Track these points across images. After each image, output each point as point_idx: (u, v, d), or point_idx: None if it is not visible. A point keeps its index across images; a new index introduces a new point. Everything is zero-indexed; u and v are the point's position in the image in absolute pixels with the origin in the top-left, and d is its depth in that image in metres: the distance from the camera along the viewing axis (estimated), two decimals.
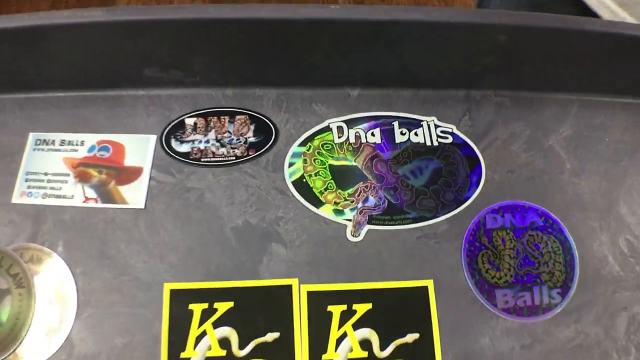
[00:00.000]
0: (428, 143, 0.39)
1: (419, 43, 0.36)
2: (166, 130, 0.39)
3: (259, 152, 0.38)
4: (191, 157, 0.38)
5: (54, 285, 0.34)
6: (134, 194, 0.37)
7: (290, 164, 0.37)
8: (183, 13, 0.34)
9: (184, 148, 0.38)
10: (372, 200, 0.37)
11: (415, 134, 0.39)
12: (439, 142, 0.39)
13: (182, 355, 0.34)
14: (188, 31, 0.35)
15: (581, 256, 0.38)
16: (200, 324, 0.34)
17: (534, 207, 0.38)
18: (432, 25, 0.35)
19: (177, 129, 0.39)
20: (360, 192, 0.37)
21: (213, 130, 0.39)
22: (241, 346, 0.34)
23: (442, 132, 0.39)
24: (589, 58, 0.39)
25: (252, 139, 0.38)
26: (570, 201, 0.39)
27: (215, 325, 0.34)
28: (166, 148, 0.38)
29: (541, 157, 0.40)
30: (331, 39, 0.37)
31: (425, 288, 0.36)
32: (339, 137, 0.38)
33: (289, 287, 0.35)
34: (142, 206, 0.37)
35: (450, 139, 0.39)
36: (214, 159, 0.38)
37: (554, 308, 0.36)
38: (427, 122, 0.39)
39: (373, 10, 0.34)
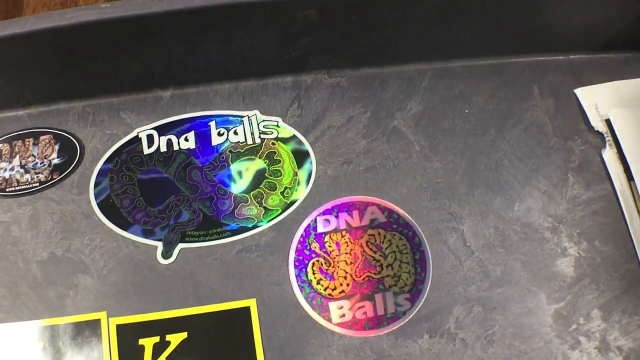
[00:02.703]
0: (249, 141, 0.33)
1: (218, 30, 0.30)
2: None
3: (63, 175, 0.33)
4: None
5: None
6: None
7: (97, 184, 0.32)
8: None
9: None
10: (185, 215, 0.31)
11: (235, 132, 0.33)
12: (261, 139, 0.32)
13: None
14: None
15: (435, 253, 0.32)
16: None
17: (375, 202, 0.32)
18: (224, 9, 0.28)
19: None
20: (172, 207, 0.31)
21: (18, 155, 0.34)
22: None
23: (265, 126, 0.33)
24: (432, 19, 0.31)
25: (56, 161, 0.33)
26: (420, 189, 0.33)
27: None
28: None
29: (384, 141, 0.33)
30: (124, 39, 0.31)
31: (247, 309, 0.30)
32: (149, 147, 0.32)
33: (97, 321, 0.30)
34: None
35: (274, 134, 0.33)
36: (18, 188, 0.33)
37: (402, 317, 0.30)
38: (249, 117, 0.33)
39: (154, 2, 0.28)
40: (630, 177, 0.35)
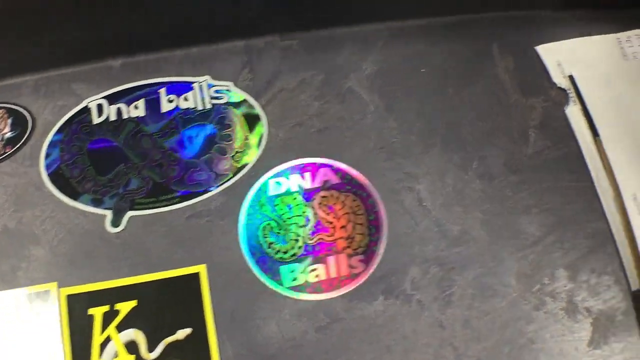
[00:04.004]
0: (200, 107, 0.32)
1: None
2: None
3: (15, 148, 0.32)
4: None
5: None
6: None
7: (47, 156, 0.31)
8: None
9: None
10: (134, 183, 0.30)
11: (185, 98, 0.32)
12: (212, 104, 0.31)
13: None
14: None
15: (390, 214, 0.30)
16: None
17: (327, 164, 0.30)
18: None
19: None
20: (121, 175, 0.30)
21: None
22: None
23: (216, 92, 0.32)
24: None
25: (8, 135, 0.33)
26: (374, 150, 0.31)
27: None
28: None
29: (337, 103, 0.32)
30: (74, 8, 0.29)
31: (196, 275, 0.29)
32: (99, 117, 0.31)
33: (47, 292, 0.29)
34: None
35: (225, 99, 0.31)
36: None
37: (355, 279, 0.29)
38: (200, 83, 0.32)
39: None
40: (595, 133, 0.33)
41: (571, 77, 0.35)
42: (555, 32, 0.36)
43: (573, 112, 0.34)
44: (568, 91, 0.35)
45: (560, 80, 0.35)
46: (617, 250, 0.31)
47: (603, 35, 0.36)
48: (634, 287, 0.31)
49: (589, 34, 0.36)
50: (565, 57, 0.36)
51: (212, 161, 0.32)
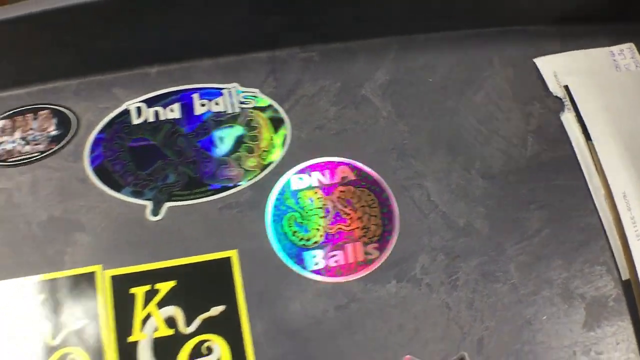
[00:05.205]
0: (229, 111, 0.42)
1: (195, 8, 0.40)
2: None
3: (60, 145, 0.43)
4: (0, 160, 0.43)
5: None
6: None
7: (91, 152, 0.42)
8: None
9: None
10: (171, 177, 0.41)
11: (216, 103, 0.42)
12: (241, 108, 0.42)
13: None
14: None
15: (401, 207, 0.41)
16: None
17: (344, 162, 0.41)
18: None
19: None
20: (159, 170, 0.41)
21: (19, 129, 0.44)
22: (53, 335, 0.39)
23: (244, 97, 0.43)
24: None
25: (54, 133, 0.43)
26: (387, 151, 0.42)
27: None
28: None
29: (353, 108, 0.43)
30: (114, 20, 0.41)
31: (229, 259, 0.39)
32: (138, 118, 0.42)
33: (92, 273, 0.40)
34: None
35: (252, 104, 0.42)
36: (19, 158, 0.43)
37: (371, 264, 0.39)
38: (229, 89, 0.43)
39: None
40: (587, 137, 0.44)
41: (566, 87, 0.46)
42: (551, 45, 0.47)
43: (568, 118, 0.45)
44: (563, 100, 0.46)
45: (556, 90, 0.46)
46: (608, 243, 0.41)
47: (597, 49, 0.48)
48: (624, 277, 0.41)
49: (584, 47, 0.48)
50: (561, 68, 0.47)
51: (241, 159, 0.43)
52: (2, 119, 0.45)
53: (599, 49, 0.47)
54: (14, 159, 0.43)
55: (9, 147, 0.44)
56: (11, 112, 0.45)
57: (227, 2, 0.40)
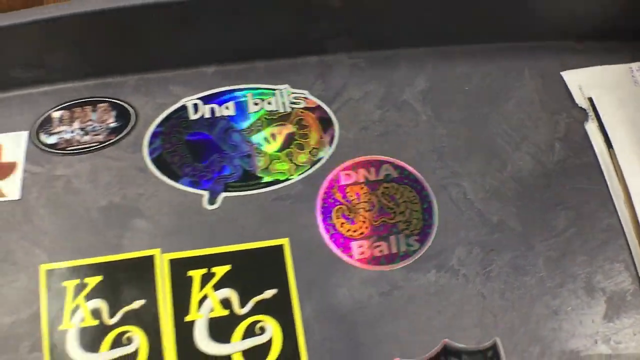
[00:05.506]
0: (281, 110, 0.48)
1: (253, 15, 0.45)
2: (35, 126, 0.48)
3: (120, 136, 0.47)
4: (58, 148, 0.48)
5: None
6: (10, 187, 0.47)
7: (150, 144, 0.47)
8: (24, 17, 0.43)
9: (52, 140, 0.48)
10: (227, 169, 0.46)
11: (269, 102, 0.48)
12: (292, 108, 0.48)
13: (60, 327, 0.43)
14: (38, 32, 0.45)
15: (440, 204, 0.46)
16: (74, 298, 0.44)
17: (388, 161, 0.47)
18: None
19: (45, 124, 0.48)
20: (216, 162, 0.46)
21: (77, 120, 0.49)
22: (111, 315, 0.43)
23: (295, 98, 0.48)
24: (437, 9, 0.47)
25: (113, 125, 0.48)
26: (427, 152, 0.48)
27: (88, 298, 0.44)
28: (36, 142, 0.48)
29: (395, 112, 0.48)
30: (172, 21, 0.46)
31: (281, 247, 0.45)
32: (195, 114, 0.47)
33: (151, 257, 0.44)
34: (18, 197, 0.46)
35: (303, 104, 0.48)
36: (78, 147, 0.48)
37: (413, 255, 0.45)
38: (280, 90, 0.48)
39: None
40: (609, 145, 0.51)
41: (590, 99, 0.52)
42: (577, 60, 0.53)
43: (591, 128, 0.51)
44: (587, 111, 0.52)
45: (581, 101, 0.52)
46: (627, 243, 0.47)
47: (618, 65, 0.54)
48: None
49: (606, 63, 0.54)
50: (586, 82, 0.53)
51: (292, 154, 0.48)
52: (60, 109, 0.50)
53: (620, 65, 0.53)
54: (72, 148, 0.48)
55: (67, 136, 0.48)
56: (69, 103, 0.50)
57: (280, 10, 0.46)
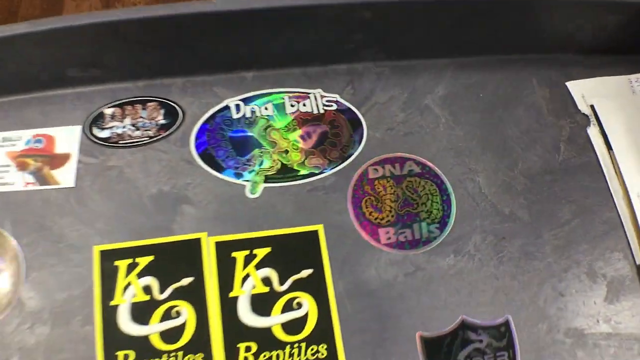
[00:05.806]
0: (315, 111, 0.56)
1: (293, 26, 0.54)
2: (89, 121, 0.56)
3: (169, 132, 0.55)
4: (111, 141, 0.55)
5: (4, 256, 0.51)
6: (65, 176, 0.54)
7: (197, 139, 0.54)
8: (91, 19, 0.51)
9: (105, 134, 0.55)
10: (267, 163, 0.54)
11: (304, 104, 0.56)
12: (325, 110, 0.56)
13: (112, 303, 0.50)
14: (98, 34, 0.52)
15: (457, 196, 0.54)
16: (126, 276, 0.51)
17: (412, 158, 0.55)
18: (300, 9, 0.52)
19: (98, 119, 0.56)
20: (257, 157, 0.54)
21: (128, 117, 0.56)
22: (161, 291, 0.50)
23: (327, 101, 0.56)
24: (455, 24, 0.56)
25: (162, 121, 0.56)
26: (446, 150, 0.56)
27: (139, 276, 0.51)
28: (89, 135, 0.55)
29: (418, 115, 0.56)
30: (220, 29, 0.54)
31: (316, 232, 0.52)
32: (237, 113, 0.55)
33: (199, 239, 0.52)
34: (72, 185, 0.53)
35: (334, 107, 0.56)
36: (130, 141, 0.55)
37: (434, 240, 0.52)
38: (314, 93, 0.56)
39: (251, 1, 0.51)
40: (609, 147, 0.59)
41: (592, 106, 0.61)
42: (581, 71, 0.60)
43: (593, 132, 0.60)
44: (589, 116, 0.60)
45: (584, 108, 0.61)
46: (625, 234, 0.55)
47: (617, 76, 0.63)
48: (638, 262, 0.54)
49: (607, 75, 0.62)
50: (588, 91, 0.61)
51: (326, 151, 0.56)
52: (112, 107, 0.57)
53: (619, 77, 0.61)
54: (124, 141, 0.56)
55: (119, 131, 0.56)
56: (120, 101, 0.57)
57: (317, 21, 0.54)
